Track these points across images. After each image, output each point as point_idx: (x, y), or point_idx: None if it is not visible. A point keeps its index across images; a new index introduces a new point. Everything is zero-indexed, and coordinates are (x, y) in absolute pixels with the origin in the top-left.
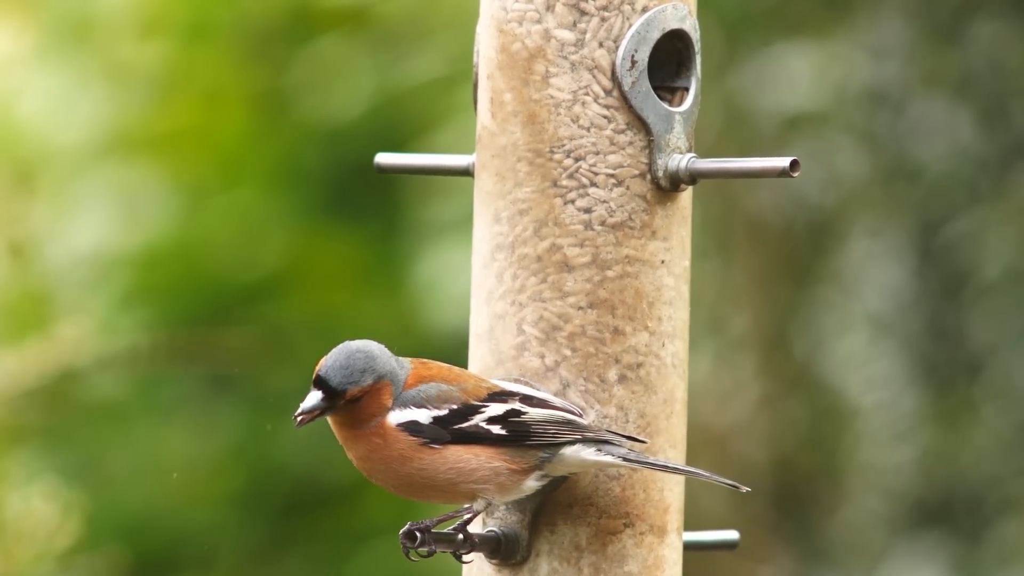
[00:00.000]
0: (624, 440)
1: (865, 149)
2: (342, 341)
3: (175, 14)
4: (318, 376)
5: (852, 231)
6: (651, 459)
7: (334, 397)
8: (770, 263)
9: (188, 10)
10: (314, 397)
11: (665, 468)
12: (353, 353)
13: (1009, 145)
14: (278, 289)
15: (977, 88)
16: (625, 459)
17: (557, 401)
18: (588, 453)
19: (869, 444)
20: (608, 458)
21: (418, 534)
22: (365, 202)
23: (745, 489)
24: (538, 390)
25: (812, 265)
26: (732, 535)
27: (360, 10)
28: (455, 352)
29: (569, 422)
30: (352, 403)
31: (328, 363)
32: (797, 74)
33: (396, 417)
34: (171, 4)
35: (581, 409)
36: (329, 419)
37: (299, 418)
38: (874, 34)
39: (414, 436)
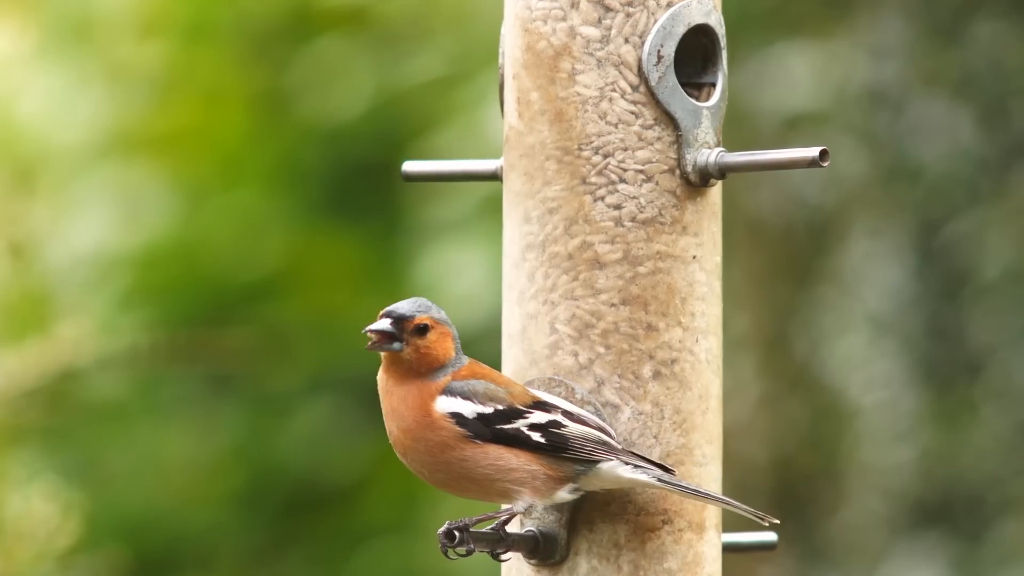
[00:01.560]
0: (654, 466)
1: (865, 149)
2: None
3: (175, 14)
4: (385, 311)
5: (852, 231)
6: (684, 483)
7: (402, 322)
8: (770, 263)
9: (188, 10)
10: (383, 323)
11: (697, 494)
12: (421, 298)
13: (1009, 145)
14: (278, 289)
15: (977, 88)
16: (660, 480)
17: (595, 421)
18: (625, 471)
19: (869, 444)
20: (644, 477)
21: (457, 533)
22: (365, 202)
23: (775, 521)
24: (577, 406)
25: (812, 265)
26: (770, 536)
27: (360, 10)
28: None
29: (604, 443)
30: (420, 335)
31: (395, 304)
32: (797, 74)
33: (444, 404)
34: (171, 4)
35: (615, 408)
36: (384, 376)
37: (371, 337)
38: (874, 34)
39: (459, 427)
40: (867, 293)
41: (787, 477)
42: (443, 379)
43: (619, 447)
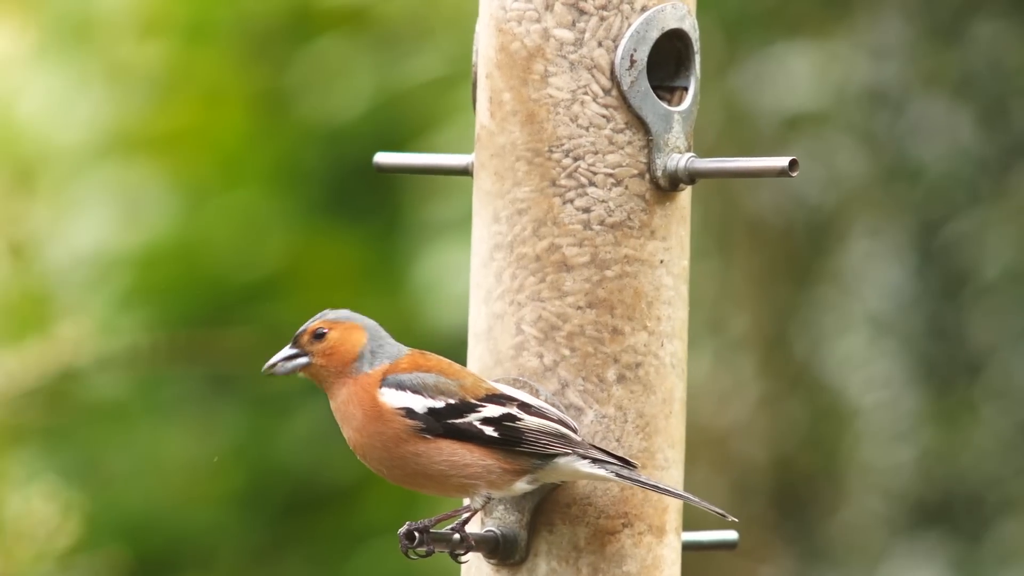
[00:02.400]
0: (615, 460)
1: (865, 149)
2: None
3: (175, 14)
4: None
5: (852, 231)
6: (643, 478)
7: (298, 339)
8: (770, 263)
9: (188, 10)
10: (281, 352)
11: (656, 488)
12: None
13: (1009, 145)
14: (278, 289)
15: (977, 88)
16: (618, 475)
17: (554, 413)
18: (582, 465)
19: (869, 444)
20: (602, 471)
21: (416, 534)
22: (365, 202)
23: (733, 519)
24: (537, 399)
25: (812, 265)
26: (731, 535)
27: (360, 10)
28: (455, 352)
29: (562, 435)
30: (319, 340)
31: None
32: (797, 74)
33: (391, 397)
34: (171, 4)
35: (578, 411)
36: (329, 397)
37: (267, 364)
38: (874, 34)
39: (410, 420)
40: (867, 293)
41: (787, 477)
42: (375, 369)
43: (579, 439)
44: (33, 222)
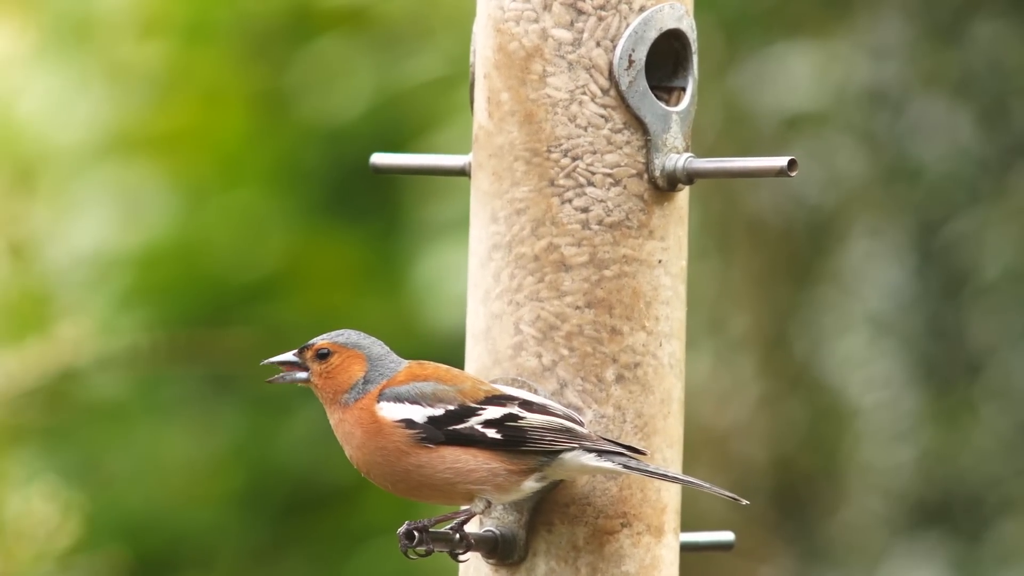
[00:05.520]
0: (624, 448)
1: (865, 149)
2: None
3: (175, 14)
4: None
5: (852, 231)
6: (650, 467)
7: (304, 350)
8: (770, 263)
9: (188, 10)
10: (284, 355)
11: (664, 476)
12: (343, 330)
13: (1009, 145)
14: (278, 289)
15: (977, 88)
16: (625, 466)
17: (558, 408)
18: (588, 459)
19: (869, 444)
20: (608, 464)
21: (416, 533)
22: (365, 202)
23: (744, 502)
24: (539, 395)
25: (812, 265)
26: (728, 536)
27: (360, 10)
28: (455, 352)
29: (567, 430)
30: (321, 361)
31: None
32: (797, 74)
33: (390, 410)
34: (171, 4)
35: (579, 410)
36: (328, 412)
37: (276, 369)
38: (874, 34)
39: (410, 430)
40: (867, 293)
41: (787, 477)
42: (369, 392)
43: (584, 432)
44: (33, 222)
